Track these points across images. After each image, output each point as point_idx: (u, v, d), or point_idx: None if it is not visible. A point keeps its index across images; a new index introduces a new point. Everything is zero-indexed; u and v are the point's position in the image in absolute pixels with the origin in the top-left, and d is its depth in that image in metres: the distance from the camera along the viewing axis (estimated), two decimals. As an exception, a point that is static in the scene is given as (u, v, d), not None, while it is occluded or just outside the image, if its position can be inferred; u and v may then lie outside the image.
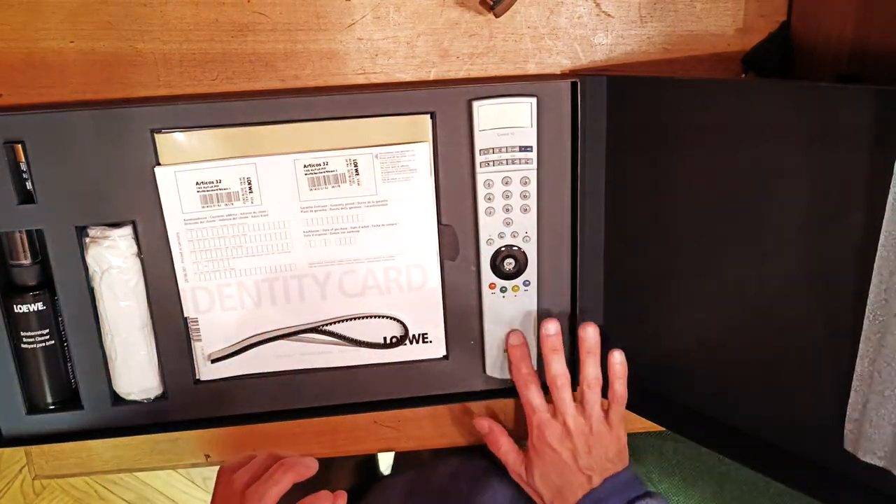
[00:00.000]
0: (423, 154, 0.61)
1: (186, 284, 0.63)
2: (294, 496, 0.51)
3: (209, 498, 0.53)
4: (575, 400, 0.63)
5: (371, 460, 1.02)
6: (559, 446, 0.62)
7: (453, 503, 0.70)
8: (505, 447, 0.66)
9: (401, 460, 0.93)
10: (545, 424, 0.62)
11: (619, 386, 0.63)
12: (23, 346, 0.63)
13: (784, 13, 0.63)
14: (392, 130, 0.61)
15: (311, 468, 0.53)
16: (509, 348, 0.66)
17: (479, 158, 0.61)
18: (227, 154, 0.60)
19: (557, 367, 0.63)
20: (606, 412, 0.63)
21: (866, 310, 0.48)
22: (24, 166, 0.59)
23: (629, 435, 0.64)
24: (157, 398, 0.66)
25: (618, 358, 0.63)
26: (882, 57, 0.53)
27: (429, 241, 0.64)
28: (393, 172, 0.61)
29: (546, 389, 0.64)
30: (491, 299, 0.65)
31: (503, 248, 0.64)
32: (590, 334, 0.63)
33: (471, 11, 0.62)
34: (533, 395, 0.64)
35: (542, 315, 0.66)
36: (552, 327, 0.64)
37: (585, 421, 0.62)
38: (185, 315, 0.64)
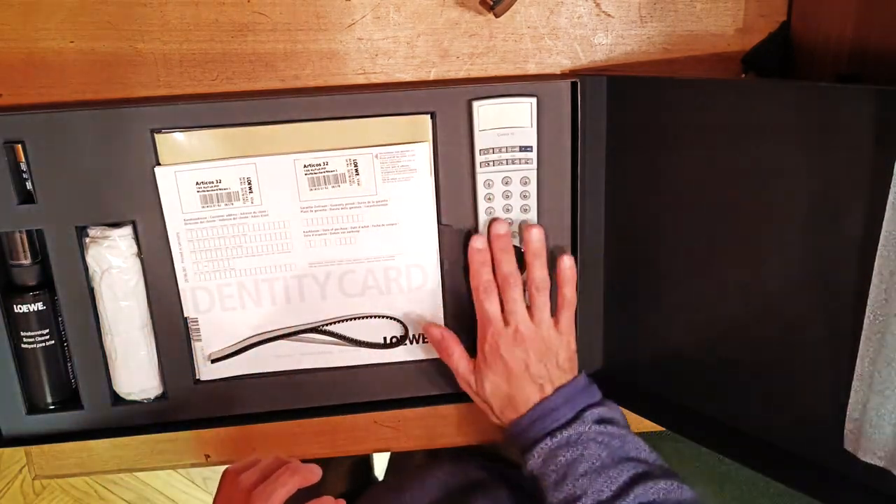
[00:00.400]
0: (423, 154, 0.61)
1: (186, 284, 0.63)
2: (292, 500, 0.51)
3: (209, 498, 0.53)
4: None
5: (365, 463, 1.02)
6: (509, 355, 0.60)
7: None
8: (457, 355, 0.64)
9: (395, 464, 0.93)
10: (499, 334, 0.61)
11: (569, 291, 0.61)
12: (23, 346, 0.63)
13: (784, 13, 0.63)
14: (392, 130, 0.61)
15: (316, 474, 0.53)
16: (471, 253, 0.62)
17: (479, 158, 0.61)
18: (227, 154, 0.60)
19: (508, 266, 0.61)
20: (556, 318, 0.62)
21: (866, 310, 0.48)
22: (24, 166, 0.59)
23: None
24: (157, 398, 0.66)
25: (567, 262, 0.61)
26: (882, 57, 0.53)
27: (429, 241, 0.64)
28: (393, 172, 0.61)
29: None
30: (491, 299, 0.65)
31: (503, 248, 0.64)
32: (534, 236, 0.61)
33: (471, 11, 0.62)
34: (491, 304, 0.61)
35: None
36: (502, 227, 0.62)
37: (536, 327, 0.61)
38: (185, 315, 0.64)
